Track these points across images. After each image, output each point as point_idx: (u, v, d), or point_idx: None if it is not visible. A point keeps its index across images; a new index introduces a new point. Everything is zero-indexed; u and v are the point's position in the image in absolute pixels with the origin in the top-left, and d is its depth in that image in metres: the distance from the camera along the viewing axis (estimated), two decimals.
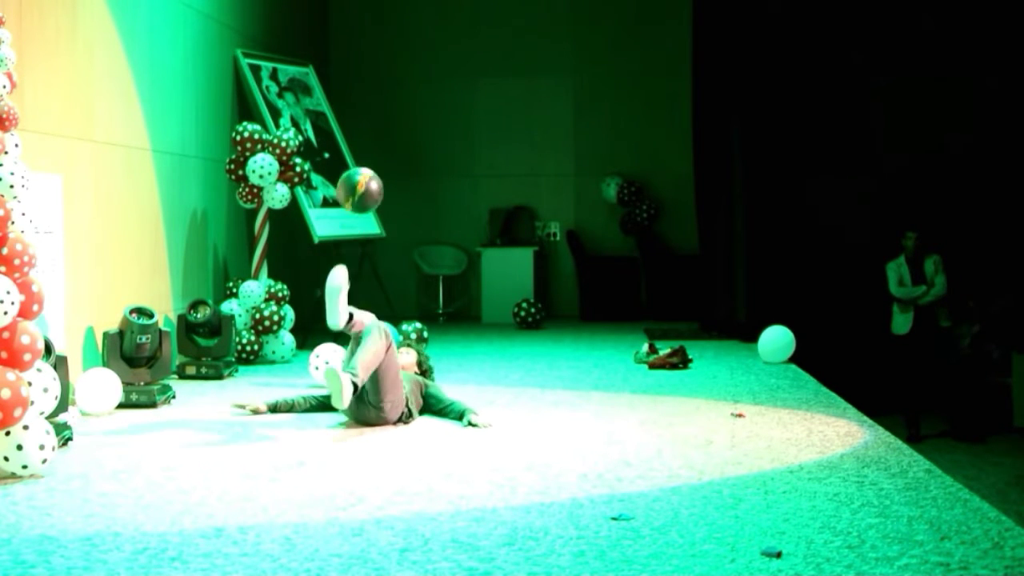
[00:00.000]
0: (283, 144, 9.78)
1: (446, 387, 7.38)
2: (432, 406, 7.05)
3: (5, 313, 5.07)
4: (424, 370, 7.47)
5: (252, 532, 4.35)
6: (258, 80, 11.13)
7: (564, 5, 14.28)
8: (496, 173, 14.32)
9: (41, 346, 5.31)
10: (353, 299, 12.22)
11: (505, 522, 4.49)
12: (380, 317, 10.25)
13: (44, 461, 5.27)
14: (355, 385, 6.40)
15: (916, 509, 4.65)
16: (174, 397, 7.69)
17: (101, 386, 7.16)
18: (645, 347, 9.69)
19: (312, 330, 10.67)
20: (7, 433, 5.17)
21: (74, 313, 7.55)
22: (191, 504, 4.81)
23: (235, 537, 4.28)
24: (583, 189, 14.26)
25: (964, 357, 11.45)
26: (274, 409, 7.14)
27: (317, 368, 8.22)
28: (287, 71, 11.81)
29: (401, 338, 9.89)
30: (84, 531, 4.38)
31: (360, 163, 12.49)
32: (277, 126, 10.74)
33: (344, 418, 6.87)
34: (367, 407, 6.69)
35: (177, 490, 5.09)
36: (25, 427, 5.18)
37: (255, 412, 7.09)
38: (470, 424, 6.71)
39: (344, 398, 6.30)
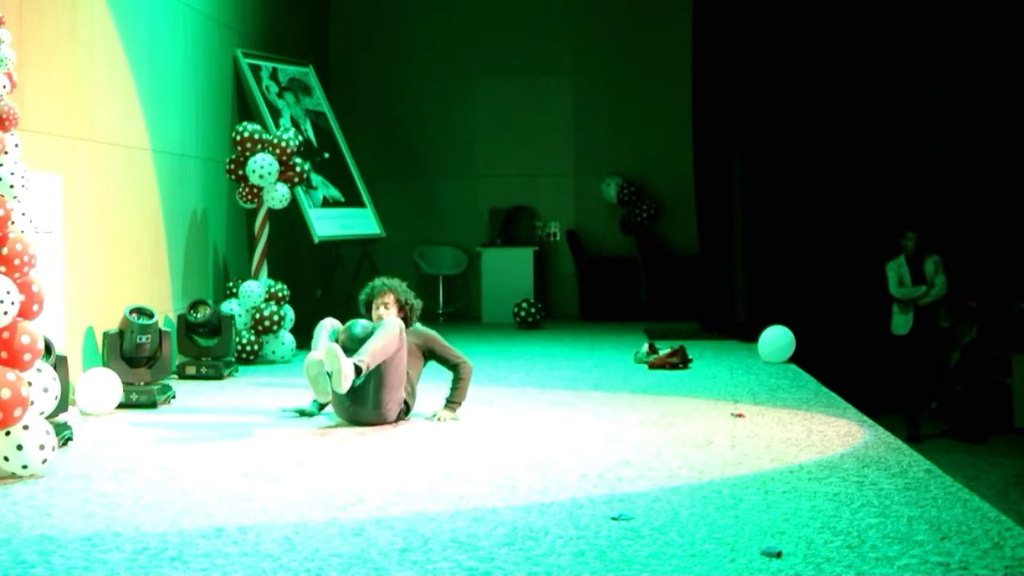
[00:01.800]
0: (283, 144, 9.78)
1: (446, 387, 7.33)
2: (437, 360, 7.03)
3: (5, 313, 5.08)
4: (407, 310, 6.97)
5: (252, 532, 4.35)
6: (258, 80, 11.13)
7: (564, 6, 14.28)
8: (496, 173, 14.32)
9: (41, 346, 5.31)
10: (353, 299, 12.24)
11: (505, 522, 4.49)
12: None
13: (44, 461, 5.27)
14: (358, 369, 6.31)
15: (916, 509, 4.65)
16: (174, 397, 7.69)
17: (101, 386, 7.16)
18: (645, 347, 9.69)
19: (312, 330, 10.66)
20: (7, 433, 5.17)
21: (74, 313, 7.55)
22: (191, 504, 4.81)
23: (235, 537, 4.28)
24: (583, 189, 14.25)
25: (963, 358, 11.45)
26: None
27: None
28: (287, 71, 11.81)
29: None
30: (84, 531, 4.38)
31: (360, 163, 12.52)
32: (277, 126, 10.73)
33: (339, 418, 6.84)
34: (364, 406, 6.62)
35: (177, 490, 5.09)
36: (25, 427, 5.18)
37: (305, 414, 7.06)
38: (436, 418, 6.83)
39: (344, 382, 6.21)
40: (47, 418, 5.42)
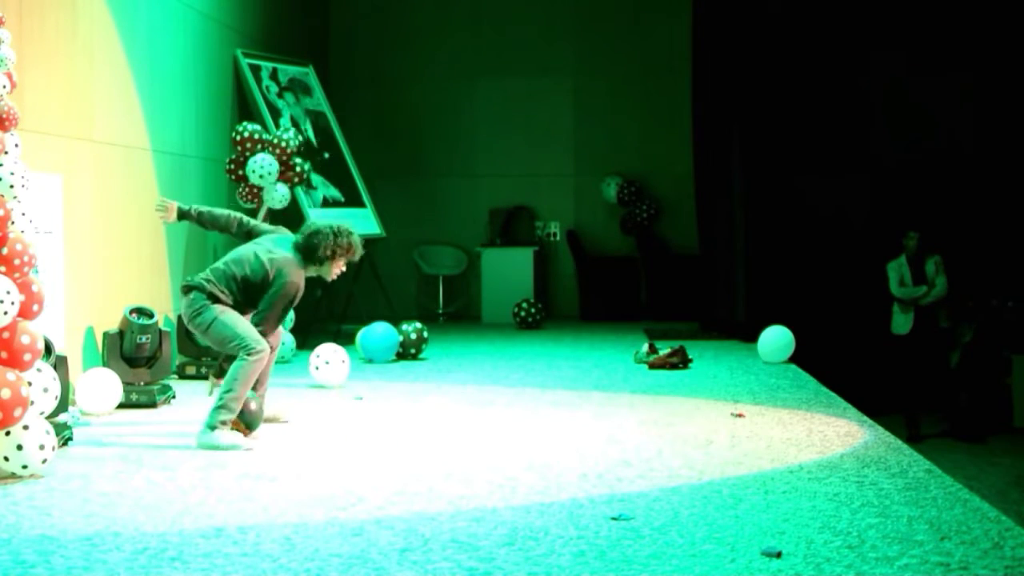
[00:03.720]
0: (283, 144, 9.78)
1: (446, 387, 7.33)
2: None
3: (5, 313, 5.08)
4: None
5: (252, 532, 4.35)
6: (258, 80, 11.12)
7: (564, 5, 14.27)
8: (496, 173, 14.31)
9: (41, 346, 5.31)
10: (354, 299, 12.23)
11: (505, 522, 4.49)
12: (380, 317, 10.28)
13: (44, 461, 5.27)
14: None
15: (916, 509, 4.65)
16: (174, 397, 7.69)
17: (101, 386, 7.16)
18: (645, 347, 9.69)
19: (312, 330, 10.68)
20: (7, 433, 5.17)
21: (74, 313, 7.55)
22: (191, 504, 4.81)
23: (235, 537, 4.28)
24: (583, 189, 14.25)
25: (962, 358, 11.44)
26: (184, 216, 6.68)
27: (317, 368, 8.22)
28: (287, 71, 11.81)
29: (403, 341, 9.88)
30: (84, 531, 4.38)
31: (360, 163, 12.51)
32: (277, 126, 10.73)
33: (340, 417, 6.83)
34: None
35: (177, 490, 5.09)
36: (25, 427, 5.18)
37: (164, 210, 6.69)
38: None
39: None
40: (47, 418, 5.42)
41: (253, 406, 6.27)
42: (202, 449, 5.98)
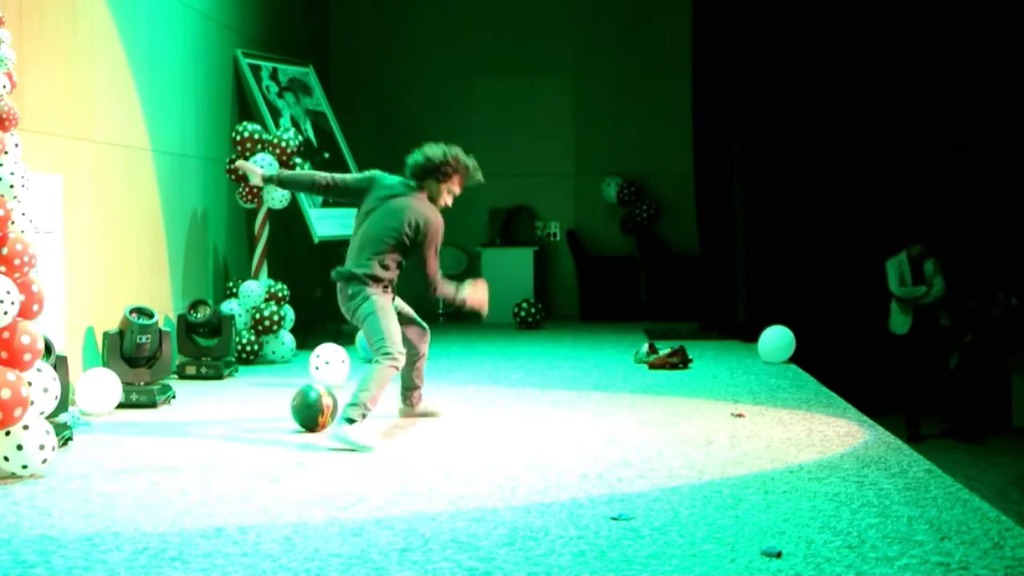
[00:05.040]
0: (283, 144, 9.78)
1: (446, 387, 7.31)
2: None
3: (5, 313, 5.08)
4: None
5: (252, 532, 4.35)
6: (258, 80, 11.12)
7: (564, 5, 14.28)
8: (496, 173, 14.27)
9: (41, 346, 5.31)
10: None
11: (505, 522, 4.50)
12: None
13: (44, 461, 5.27)
14: None
15: (916, 509, 4.65)
16: (174, 397, 7.68)
17: (101, 386, 7.16)
18: (645, 347, 9.69)
19: (312, 330, 10.68)
20: (7, 433, 5.17)
21: (74, 313, 7.55)
22: (191, 504, 4.82)
23: (235, 537, 4.28)
24: (583, 189, 14.25)
25: (962, 360, 11.44)
26: (271, 180, 7.15)
27: (317, 368, 8.22)
28: (287, 71, 11.81)
29: None
30: (84, 531, 4.38)
31: (360, 163, 12.48)
32: (277, 126, 10.73)
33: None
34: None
35: (177, 490, 5.09)
36: (25, 427, 5.19)
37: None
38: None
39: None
40: (47, 418, 5.42)
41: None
42: (335, 442, 6.06)
